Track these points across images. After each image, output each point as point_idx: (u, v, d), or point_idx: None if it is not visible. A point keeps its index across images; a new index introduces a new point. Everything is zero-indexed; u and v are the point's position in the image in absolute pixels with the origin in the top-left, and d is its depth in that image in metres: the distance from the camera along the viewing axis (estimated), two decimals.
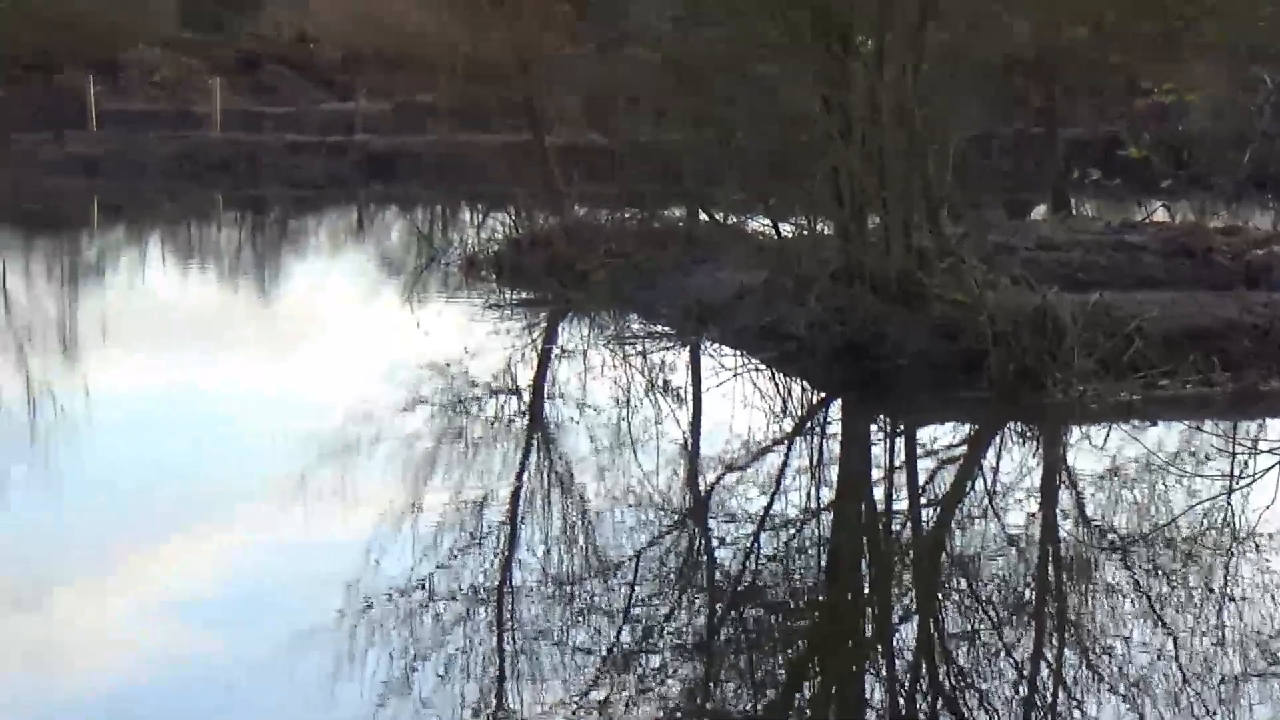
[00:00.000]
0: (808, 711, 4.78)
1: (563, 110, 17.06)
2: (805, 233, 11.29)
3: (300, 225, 25.06)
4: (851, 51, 9.74)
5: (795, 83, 11.01)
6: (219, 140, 30.30)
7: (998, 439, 8.44)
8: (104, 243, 22.69)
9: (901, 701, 4.63)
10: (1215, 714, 4.28)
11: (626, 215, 14.39)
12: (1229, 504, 6.71)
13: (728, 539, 6.58)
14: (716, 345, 10.90)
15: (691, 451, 8.24)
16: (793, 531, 6.58)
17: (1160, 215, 13.68)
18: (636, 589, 5.57)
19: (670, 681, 4.57)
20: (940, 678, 4.82)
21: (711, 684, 4.67)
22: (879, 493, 7.44)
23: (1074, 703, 4.46)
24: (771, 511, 6.83)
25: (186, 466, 7.70)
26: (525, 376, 10.52)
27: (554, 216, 15.22)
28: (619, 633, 5.04)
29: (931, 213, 9.50)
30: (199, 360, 11.07)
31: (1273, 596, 5.42)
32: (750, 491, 7.25)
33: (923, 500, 7.17)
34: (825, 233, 10.95)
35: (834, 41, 9.68)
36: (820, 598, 5.86)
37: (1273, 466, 7.07)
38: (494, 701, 4.37)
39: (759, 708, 4.51)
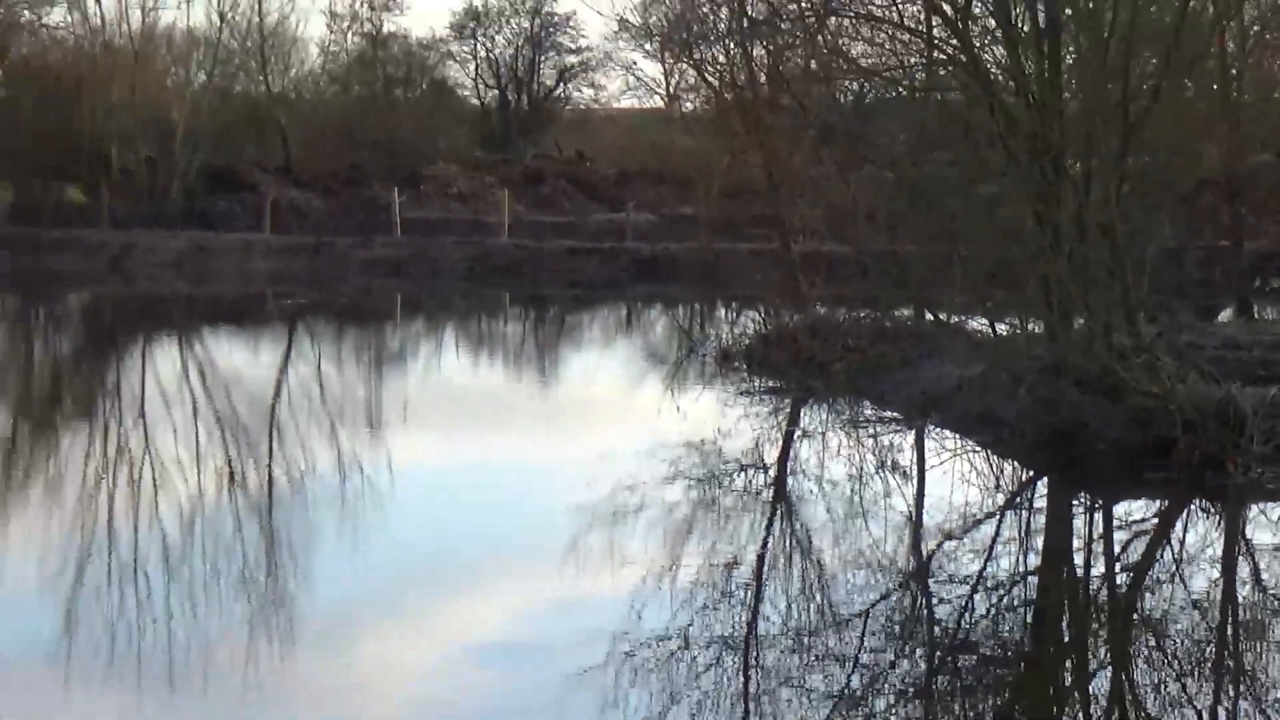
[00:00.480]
0: None
1: (807, 222, 17.77)
2: (1018, 332, 11.92)
3: (576, 320, 26.33)
4: (1062, 174, 10.46)
5: (1012, 201, 11.68)
6: (507, 245, 32.30)
7: (1184, 515, 8.78)
8: (405, 334, 24.02)
9: None
10: None
11: (862, 315, 15.06)
12: None
13: (945, 598, 6.94)
14: (938, 430, 11.45)
15: (914, 521, 8.82)
16: (1002, 593, 6.96)
17: None
18: (865, 640, 5.90)
19: None
20: None
21: None
22: (1079, 560, 7.84)
23: None
24: (984, 575, 7.20)
25: (476, 530, 8.26)
26: (771, 454, 11.16)
27: (798, 315, 15.98)
28: (849, 678, 5.38)
29: (1129, 316, 10.08)
30: (488, 437, 11.93)
31: None
32: (966, 557, 7.69)
33: (1117, 567, 7.55)
34: (1035, 332, 11.53)
35: (1047, 166, 10.41)
36: (1025, 651, 6.17)
37: None
38: None
39: None
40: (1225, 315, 16.34)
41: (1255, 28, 17.02)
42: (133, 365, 17.74)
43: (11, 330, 23.16)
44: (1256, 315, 15.46)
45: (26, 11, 39.19)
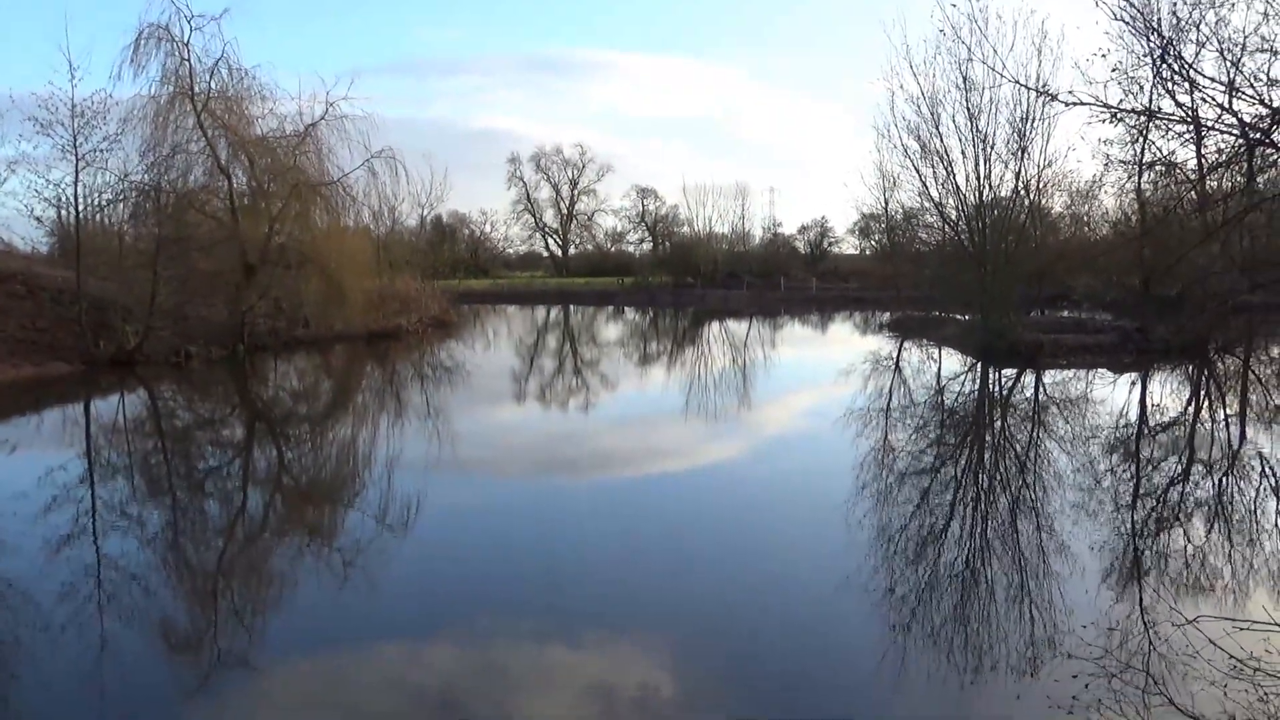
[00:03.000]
0: None
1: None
2: (971, 318, 36.48)
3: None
4: (985, 268, 35.04)
5: (969, 275, 36.26)
6: None
7: (1025, 373, 32.27)
8: None
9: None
10: None
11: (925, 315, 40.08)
12: None
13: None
14: (948, 348, 35.58)
15: (937, 372, 32.20)
16: (956, 401, 30.22)
17: None
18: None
19: None
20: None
21: None
22: (991, 388, 31.66)
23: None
24: (954, 394, 30.55)
25: None
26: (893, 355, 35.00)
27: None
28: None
29: (1008, 313, 34.45)
30: None
31: None
32: (952, 387, 30.88)
33: (1000, 390, 31.38)
34: (977, 318, 35.85)
35: (983, 266, 35.09)
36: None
37: None
38: None
39: None
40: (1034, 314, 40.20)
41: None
42: None
43: None
44: (1045, 314, 39.54)
45: None
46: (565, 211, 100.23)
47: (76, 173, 28.79)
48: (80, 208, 30.18)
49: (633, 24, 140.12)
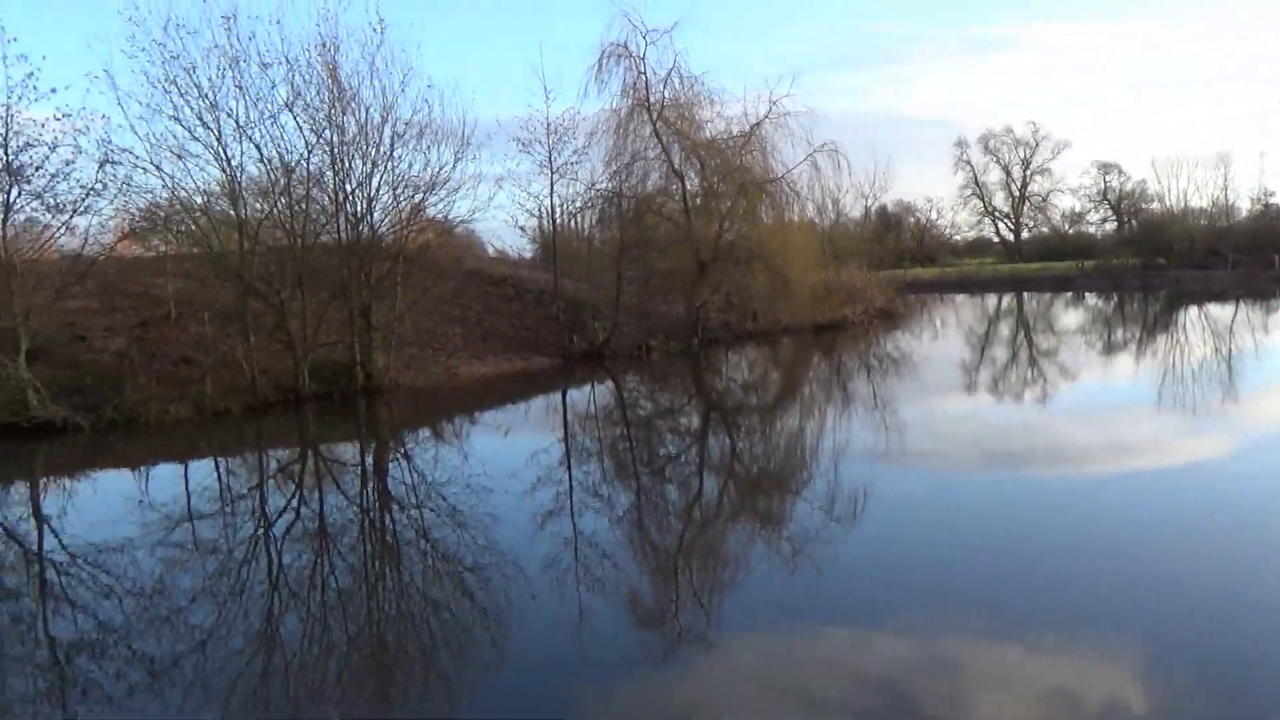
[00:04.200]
0: None
1: None
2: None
3: None
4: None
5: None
6: None
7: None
8: None
9: None
10: None
11: None
12: None
13: None
14: None
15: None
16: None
17: None
18: None
19: None
20: None
21: None
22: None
23: None
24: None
25: None
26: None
27: None
28: None
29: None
30: None
31: None
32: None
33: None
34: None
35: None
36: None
37: None
38: None
39: None
40: None
41: None
42: None
43: None
44: None
45: None
46: (1017, 193, 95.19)
47: (552, 184, 32.14)
48: (556, 216, 33.43)
49: None
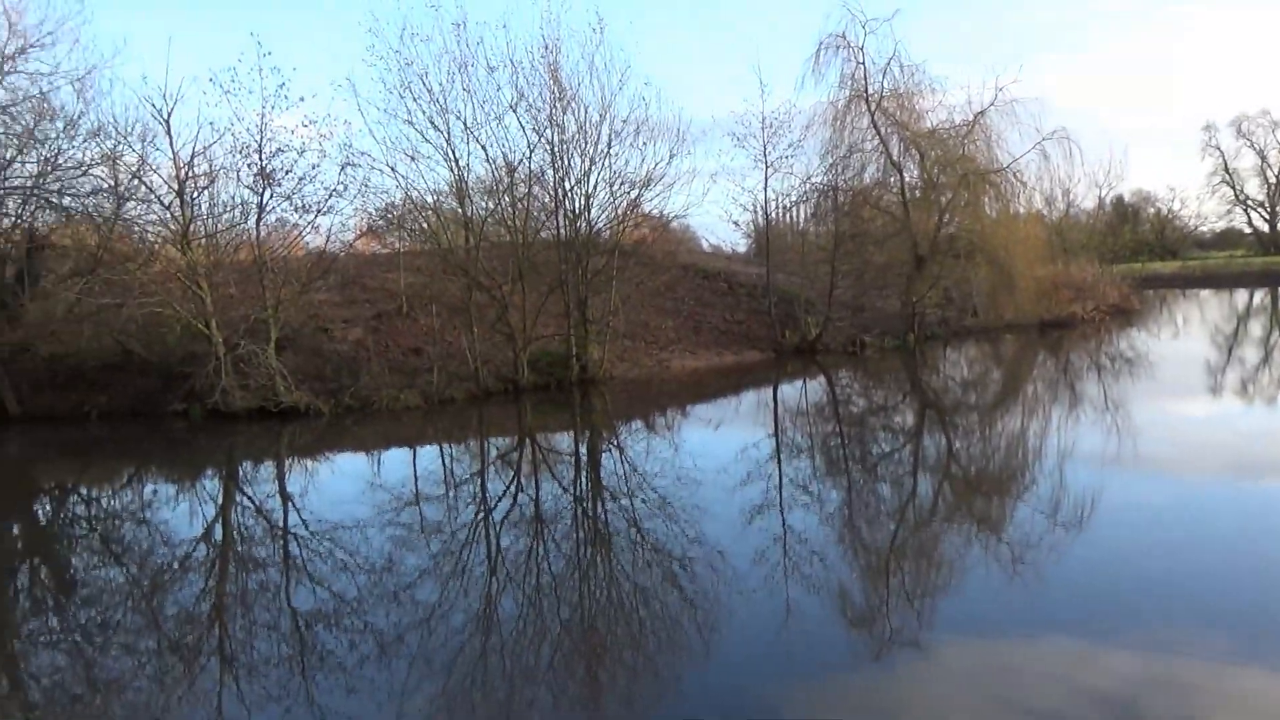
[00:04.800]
0: None
1: None
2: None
3: None
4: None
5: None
6: None
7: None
8: None
9: None
10: None
11: None
12: None
13: None
14: None
15: None
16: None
17: None
18: None
19: None
20: None
21: None
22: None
23: None
24: None
25: None
26: None
27: None
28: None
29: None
30: None
31: None
32: None
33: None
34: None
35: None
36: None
37: None
38: None
39: None
40: None
41: None
42: None
43: None
44: None
45: None
46: (1273, 180, 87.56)
47: (766, 179, 32.03)
48: (769, 210, 33.27)
49: None
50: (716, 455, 15.94)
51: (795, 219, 38.33)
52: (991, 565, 9.49)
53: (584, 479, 15.00)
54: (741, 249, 44.64)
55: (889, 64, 32.75)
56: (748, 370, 27.69)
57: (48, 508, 15.29)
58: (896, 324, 32.43)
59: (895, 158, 33.08)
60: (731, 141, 31.40)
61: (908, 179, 33.45)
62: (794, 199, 35.57)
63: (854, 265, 33.45)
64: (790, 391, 24.58)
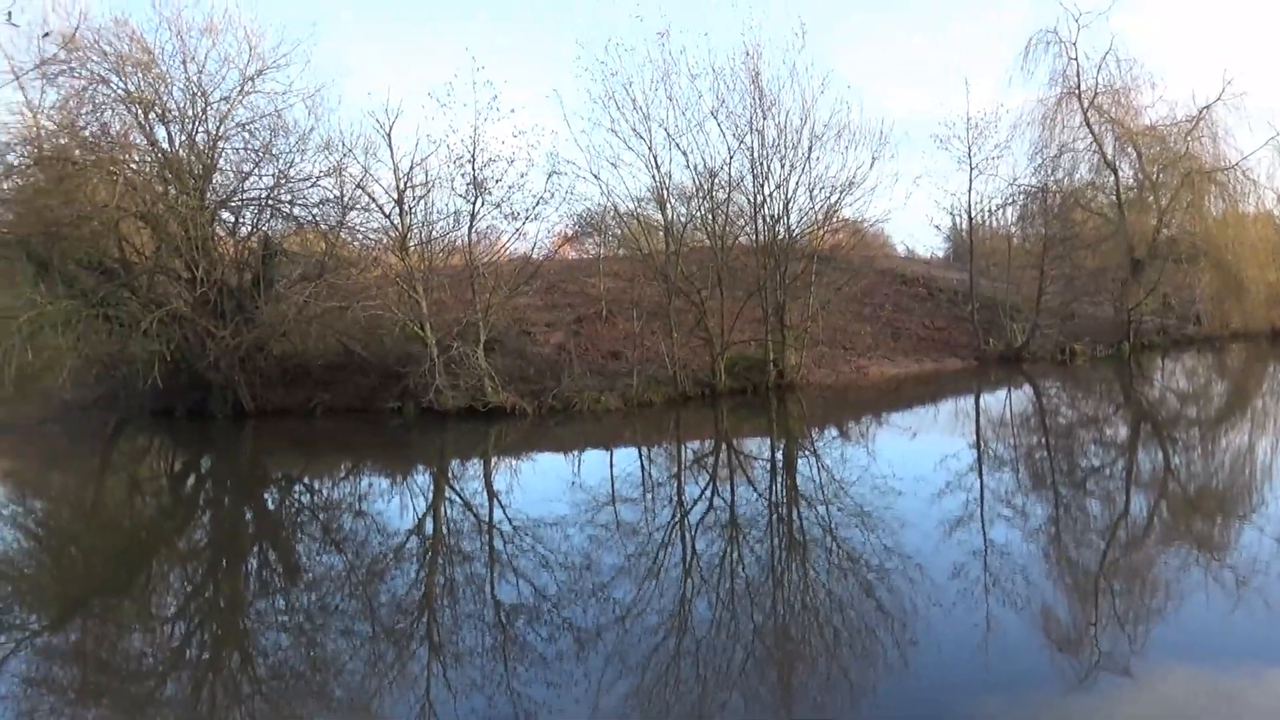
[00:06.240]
0: None
1: None
2: None
3: None
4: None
5: None
6: None
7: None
8: None
9: None
10: None
11: None
12: None
13: None
14: None
15: None
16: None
17: None
18: None
19: None
20: None
21: None
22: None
23: None
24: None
25: None
26: None
27: None
28: None
29: None
30: None
31: None
32: None
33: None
34: None
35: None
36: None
37: None
38: None
39: None
40: None
41: None
42: None
43: None
44: None
45: None
46: None
47: (970, 181, 31.12)
48: (973, 213, 32.28)
49: None
50: (914, 464, 15.65)
51: (1001, 222, 37.02)
52: (1213, 590, 8.97)
53: (779, 485, 15.02)
54: (940, 254, 43.47)
55: (1104, 59, 31.22)
56: (948, 378, 26.98)
57: (276, 497, 16.50)
58: (1109, 332, 30.85)
59: (1109, 157, 31.52)
60: (935, 143, 30.67)
61: (1122, 178, 31.80)
62: (1000, 201, 34.41)
63: (1063, 270, 32.03)
64: (993, 401, 23.81)
